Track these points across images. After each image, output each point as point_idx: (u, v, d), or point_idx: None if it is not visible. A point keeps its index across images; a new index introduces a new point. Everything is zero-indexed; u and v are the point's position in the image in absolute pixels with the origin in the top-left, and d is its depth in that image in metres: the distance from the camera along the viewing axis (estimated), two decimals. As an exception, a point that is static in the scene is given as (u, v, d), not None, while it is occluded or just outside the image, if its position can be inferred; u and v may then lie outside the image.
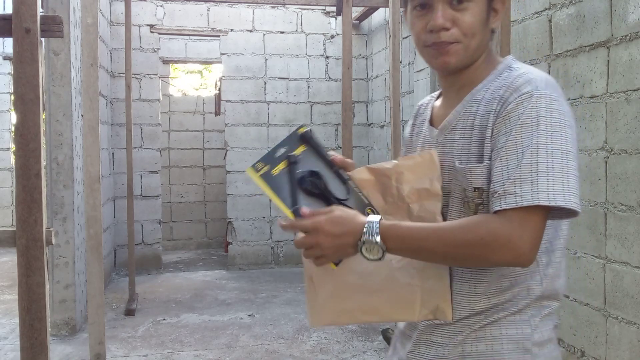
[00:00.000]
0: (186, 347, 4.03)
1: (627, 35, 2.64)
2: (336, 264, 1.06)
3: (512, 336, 1.09)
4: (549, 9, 3.23)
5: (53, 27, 1.68)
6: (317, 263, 1.06)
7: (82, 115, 4.28)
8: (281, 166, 1.08)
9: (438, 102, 1.26)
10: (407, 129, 1.35)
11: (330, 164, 1.13)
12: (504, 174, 1.02)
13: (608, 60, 2.77)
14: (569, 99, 3.07)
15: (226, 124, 6.60)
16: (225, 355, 3.88)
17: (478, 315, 1.11)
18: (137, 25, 6.23)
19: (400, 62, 4.58)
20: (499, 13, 1.15)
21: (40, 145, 1.63)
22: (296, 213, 1.04)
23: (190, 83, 13.57)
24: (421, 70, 5.00)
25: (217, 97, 7.64)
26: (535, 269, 1.10)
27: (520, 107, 1.03)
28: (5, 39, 7.50)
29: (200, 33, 6.61)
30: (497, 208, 1.00)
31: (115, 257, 6.30)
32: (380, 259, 1.02)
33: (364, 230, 1.02)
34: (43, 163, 1.64)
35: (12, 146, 7.98)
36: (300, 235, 1.05)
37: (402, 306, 1.10)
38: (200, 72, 13.76)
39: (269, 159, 1.07)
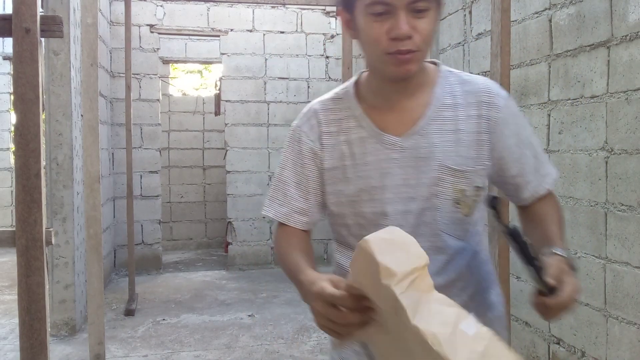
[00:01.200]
0: (186, 347, 4.02)
1: (628, 35, 2.64)
2: None
3: None
4: (549, 8, 3.23)
5: (53, 27, 1.68)
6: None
7: (81, 115, 4.28)
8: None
9: (369, 109, 1.20)
10: (309, 141, 1.24)
11: None
12: (531, 163, 1.21)
13: (608, 60, 2.77)
14: (569, 99, 3.07)
15: (226, 124, 6.60)
16: (225, 355, 3.88)
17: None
18: (137, 25, 6.23)
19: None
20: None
21: (40, 145, 1.62)
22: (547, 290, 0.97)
23: (190, 83, 13.57)
24: (421, 70, 4.99)
25: (217, 97, 7.64)
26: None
27: (511, 108, 1.20)
28: (5, 39, 7.50)
29: (200, 33, 6.61)
30: (548, 186, 1.24)
31: (115, 257, 6.29)
32: None
33: None
34: (43, 163, 1.64)
35: (12, 146, 7.98)
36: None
37: None
38: (200, 72, 13.76)
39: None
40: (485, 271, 1.29)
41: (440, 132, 1.16)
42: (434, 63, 1.25)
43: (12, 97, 7.87)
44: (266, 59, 6.62)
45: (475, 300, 1.22)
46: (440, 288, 0.88)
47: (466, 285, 1.22)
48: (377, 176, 1.17)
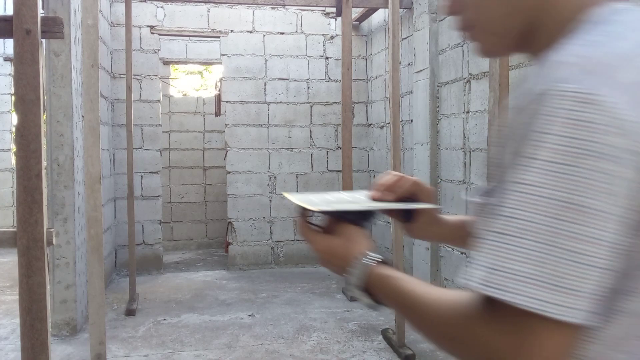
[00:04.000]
0: (187, 347, 4.03)
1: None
2: None
3: None
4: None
5: (54, 28, 1.69)
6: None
7: (82, 116, 4.29)
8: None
9: None
10: None
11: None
12: None
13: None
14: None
15: (226, 125, 6.61)
16: (225, 355, 3.89)
17: None
18: (137, 27, 6.24)
19: (400, 62, 4.58)
20: None
21: (41, 146, 1.63)
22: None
23: (191, 84, 13.58)
24: (420, 71, 5.01)
25: (217, 98, 7.65)
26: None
27: (527, 119, 0.61)
28: (6, 40, 7.51)
29: (200, 34, 6.63)
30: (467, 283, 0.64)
31: (115, 257, 6.31)
32: (369, 306, 0.85)
33: (351, 276, 0.83)
34: (44, 164, 1.65)
35: (13, 147, 7.99)
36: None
37: None
38: (200, 73, 13.77)
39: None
40: None
41: None
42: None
43: (13, 98, 7.89)
44: (266, 60, 6.63)
45: None
46: None
47: None
48: None
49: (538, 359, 0.57)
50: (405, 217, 1.02)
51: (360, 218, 0.91)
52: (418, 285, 0.75)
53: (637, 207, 0.57)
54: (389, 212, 1.06)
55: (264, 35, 6.60)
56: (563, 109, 0.57)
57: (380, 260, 0.82)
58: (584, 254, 0.55)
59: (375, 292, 0.80)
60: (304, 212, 0.91)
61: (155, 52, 6.46)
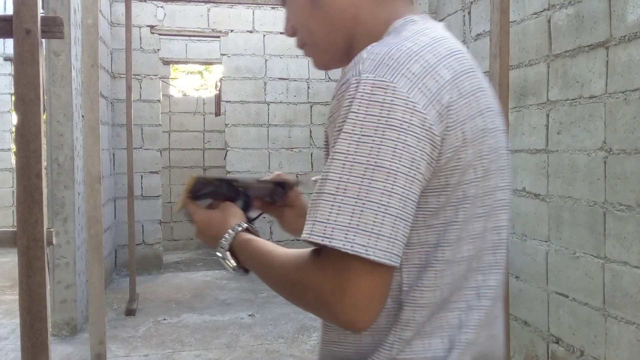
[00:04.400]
0: (187, 347, 4.03)
1: (626, 35, 2.64)
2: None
3: None
4: (548, 9, 3.24)
5: (54, 28, 1.69)
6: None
7: (82, 116, 4.29)
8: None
9: None
10: None
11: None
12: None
13: (607, 61, 2.78)
14: (568, 99, 3.07)
15: (226, 125, 6.61)
16: (225, 355, 3.89)
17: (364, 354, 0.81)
18: (137, 26, 6.24)
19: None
20: None
21: (41, 146, 1.63)
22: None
23: (191, 84, 13.58)
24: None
25: (217, 98, 7.65)
26: (384, 328, 0.79)
27: (342, 101, 0.75)
28: (6, 39, 7.51)
29: (200, 34, 6.62)
30: (304, 237, 0.74)
31: (116, 257, 6.30)
32: (234, 269, 0.94)
33: (221, 240, 0.95)
34: (44, 164, 1.65)
35: (13, 147, 7.99)
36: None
37: None
38: (200, 72, 13.77)
39: (226, 182, 1.09)
40: None
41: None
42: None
43: (13, 97, 7.89)
44: (266, 60, 6.62)
45: None
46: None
47: None
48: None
49: (356, 297, 0.70)
50: (277, 195, 1.16)
51: (236, 194, 1.07)
52: (272, 246, 0.87)
53: (439, 172, 0.74)
54: (263, 195, 1.16)
55: (264, 35, 6.60)
56: (361, 92, 0.72)
57: (245, 227, 0.95)
58: (385, 205, 0.70)
59: (239, 254, 0.92)
60: (193, 188, 1.03)
61: (155, 51, 6.46)
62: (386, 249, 0.70)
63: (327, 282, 0.72)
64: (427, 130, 0.72)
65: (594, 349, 2.89)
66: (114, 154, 6.18)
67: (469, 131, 0.76)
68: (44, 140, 1.65)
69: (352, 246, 0.69)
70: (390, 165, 0.70)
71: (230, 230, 0.94)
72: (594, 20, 2.85)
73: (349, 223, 0.70)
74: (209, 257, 7.51)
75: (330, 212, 0.71)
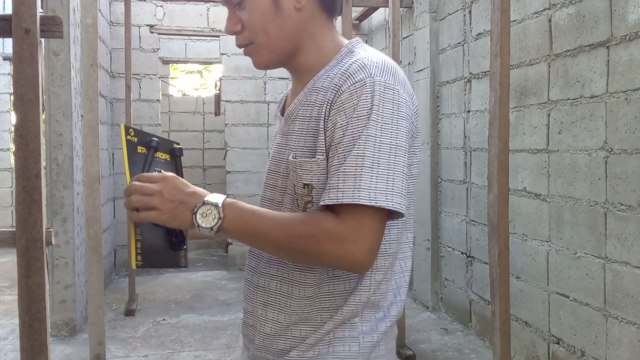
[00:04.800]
0: (186, 347, 4.02)
1: (627, 35, 2.64)
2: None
3: (339, 354, 1.02)
4: (549, 8, 3.23)
5: (53, 27, 1.68)
6: (142, 219, 0.97)
7: (81, 116, 4.28)
8: (145, 150, 1.09)
9: (291, 92, 1.18)
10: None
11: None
12: (334, 168, 0.94)
13: (608, 60, 2.77)
14: (568, 99, 3.07)
15: (226, 124, 6.60)
16: (225, 355, 3.88)
17: (308, 326, 1.03)
18: (136, 26, 6.23)
19: (400, 62, 4.58)
20: None
21: (40, 146, 1.63)
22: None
23: (190, 83, 13.58)
24: (421, 70, 5.00)
25: (217, 98, 7.64)
26: (366, 274, 1.02)
27: (354, 97, 0.95)
28: (5, 39, 7.50)
29: (200, 33, 6.61)
30: (322, 203, 0.94)
31: (115, 257, 6.29)
32: (212, 229, 0.93)
33: (206, 197, 0.95)
34: (43, 163, 1.64)
35: (12, 147, 7.98)
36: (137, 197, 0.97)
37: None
38: (200, 72, 13.77)
39: (142, 135, 1.09)
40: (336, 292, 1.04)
41: (302, 119, 1.05)
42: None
43: (12, 97, 7.87)
44: (266, 59, 6.61)
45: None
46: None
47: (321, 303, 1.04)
48: (270, 158, 1.15)
49: (372, 242, 0.92)
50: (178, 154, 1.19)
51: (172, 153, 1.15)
52: (266, 210, 1.01)
53: (410, 153, 1.00)
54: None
55: (264, 35, 6.59)
56: (378, 91, 0.95)
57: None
58: (403, 171, 0.94)
59: (229, 210, 0.95)
60: (134, 140, 1.05)
61: (155, 51, 6.45)
62: (404, 203, 0.94)
63: (349, 232, 0.90)
64: (411, 120, 0.99)
65: (595, 350, 2.88)
66: (113, 154, 6.16)
67: (415, 124, 1.02)
68: (43, 140, 1.65)
69: (393, 205, 0.92)
70: (403, 144, 0.95)
71: (213, 197, 0.95)
72: (595, 20, 2.85)
73: (386, 188, 0.92)
74: (209, 257, 7.51)
75: (370, 182, 0.91)
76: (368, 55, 1.01)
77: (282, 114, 1.14)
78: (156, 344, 4.07)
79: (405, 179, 0.95)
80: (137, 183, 0.96)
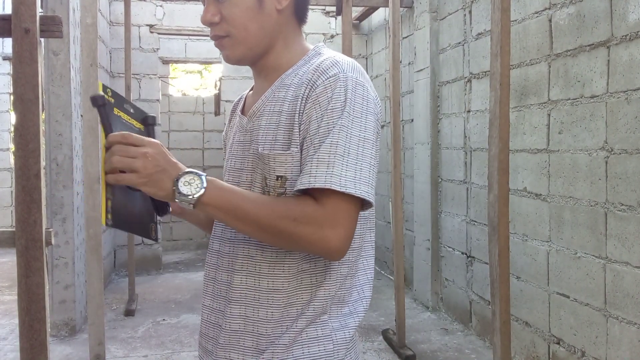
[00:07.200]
0: (186, 347, 4.02)
1: (627, 35, 2.63)
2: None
3: (315, 355, 1.03)
4: (549, 8, 3.23)
5: (52, 27, 1.68)
6: (119, 180, 0.94)
7: (81, 116, 4.28)
8: (122, 114, 1.06)
9: (251, 93, 1.21)
10: (225, 129, 1.31)
11: None
12: (309, 156, 0.98)
13: (608, 60, 2.77)
14: (569, 99, 3.07)
15: (226, 124, 6.59)
16: (225, 355, 3.87)
17: (277, 323, 1.03)
18: (136, 26, 6.23)
19: (400, 62, 4.57)
20: None
21: (40, 146, 1.62)
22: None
23: (190, 83, 13.57)
24: (421, 70, 5.00)
25: (217, 97, 7.63)
26: (333, 267, 1.05)
27: (328, 90, 1.00)
28: (5, 39, 7.50)
29: (199, 33, 6.61)
30: (296, 188, 0.97)
31: (115, 257, 6.29)
32: (193, 196, 0.92)
33: (189, 168, 0.96)
34: (42, 163, 1.64)
35: (12, 146, 7.97)
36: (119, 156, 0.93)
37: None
38: (199, 72, 13.76)
39: (118, 98, 1.06)
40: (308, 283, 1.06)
41: (269, 114, 1.07)
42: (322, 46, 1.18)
43: (11, 97, 7.87)
44: (266, 59, 6.61)
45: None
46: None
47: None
48: (227, 157, 1.17)
49: (348, 228, 0.96)
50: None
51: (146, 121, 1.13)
52: (247, 190, 1.04)
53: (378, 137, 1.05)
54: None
55: (264, 35, 6.59)
56: (350, 86, 1.00)
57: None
58: (370, 163, 0.99)
59: (211, 184, 0.95)
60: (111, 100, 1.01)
61: (155, 51, 6.45)
62: (371, 193, 0.98)
63: (328, 217, 0.94)
64: (377, 117, 1.05)
65: (595, 350, 2.88)
66: (113, 154, 6.16)
67: (379, 122, 1.07)
68: (42, 140, 1.64)
69: (360, 192, 0.95)
70: (371, 138, 1.00)
71: (195, 172, 0.94)
72: (595, 20, 2.85)
73: (354, 176, 0.96)
74: (209, 257, 7.51)
75: (341, 169, 0.95)
76: (336, 55, 1.08)
77: (242, 113, 1.18)
78: (156, 344, 4.07)
79: (372, 170, 0.99)
80: (121, 145, 0.93)
